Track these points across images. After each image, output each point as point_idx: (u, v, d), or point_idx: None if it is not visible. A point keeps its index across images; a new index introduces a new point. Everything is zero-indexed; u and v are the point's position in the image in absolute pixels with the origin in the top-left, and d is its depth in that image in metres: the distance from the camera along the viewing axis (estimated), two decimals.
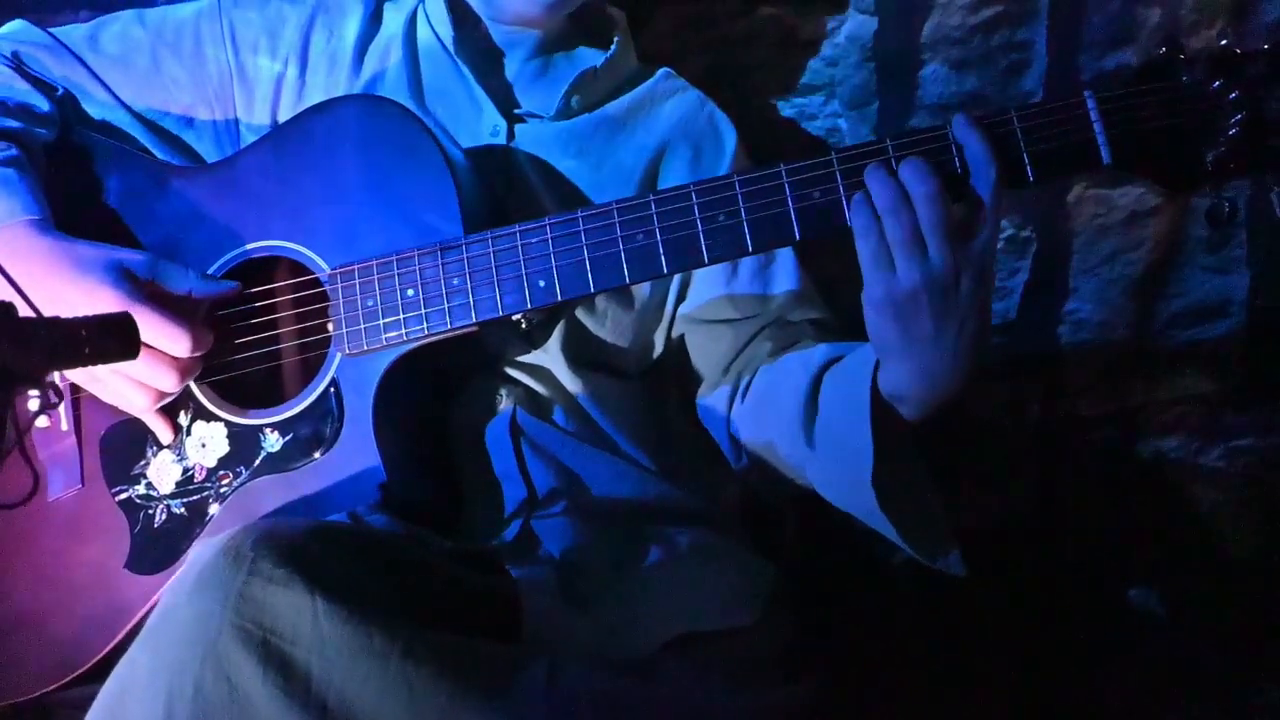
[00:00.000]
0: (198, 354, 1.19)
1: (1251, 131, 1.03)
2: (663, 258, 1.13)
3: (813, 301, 1.39)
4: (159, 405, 1.22)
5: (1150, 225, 1.60)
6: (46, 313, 0.86)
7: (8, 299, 0.84)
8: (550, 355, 1.30)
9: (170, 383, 1.19)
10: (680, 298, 1.38)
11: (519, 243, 1.16)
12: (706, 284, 1.37)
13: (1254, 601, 1.66)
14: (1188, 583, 1.68)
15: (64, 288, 1.15)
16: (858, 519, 1.20)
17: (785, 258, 1.39)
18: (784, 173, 1.10)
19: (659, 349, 1.40)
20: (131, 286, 1.17)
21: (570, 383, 1.31)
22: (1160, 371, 1.64)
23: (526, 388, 1.30)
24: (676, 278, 1.37)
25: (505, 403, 1.28)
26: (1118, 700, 1.67)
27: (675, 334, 1.40)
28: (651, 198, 1.13)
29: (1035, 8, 1.56)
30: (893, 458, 1.12)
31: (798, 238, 1.10)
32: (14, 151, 1.23)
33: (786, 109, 1.65)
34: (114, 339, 0.92)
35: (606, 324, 1.33)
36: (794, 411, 1.22)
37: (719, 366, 1.37)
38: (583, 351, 1.32)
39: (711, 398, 1.38)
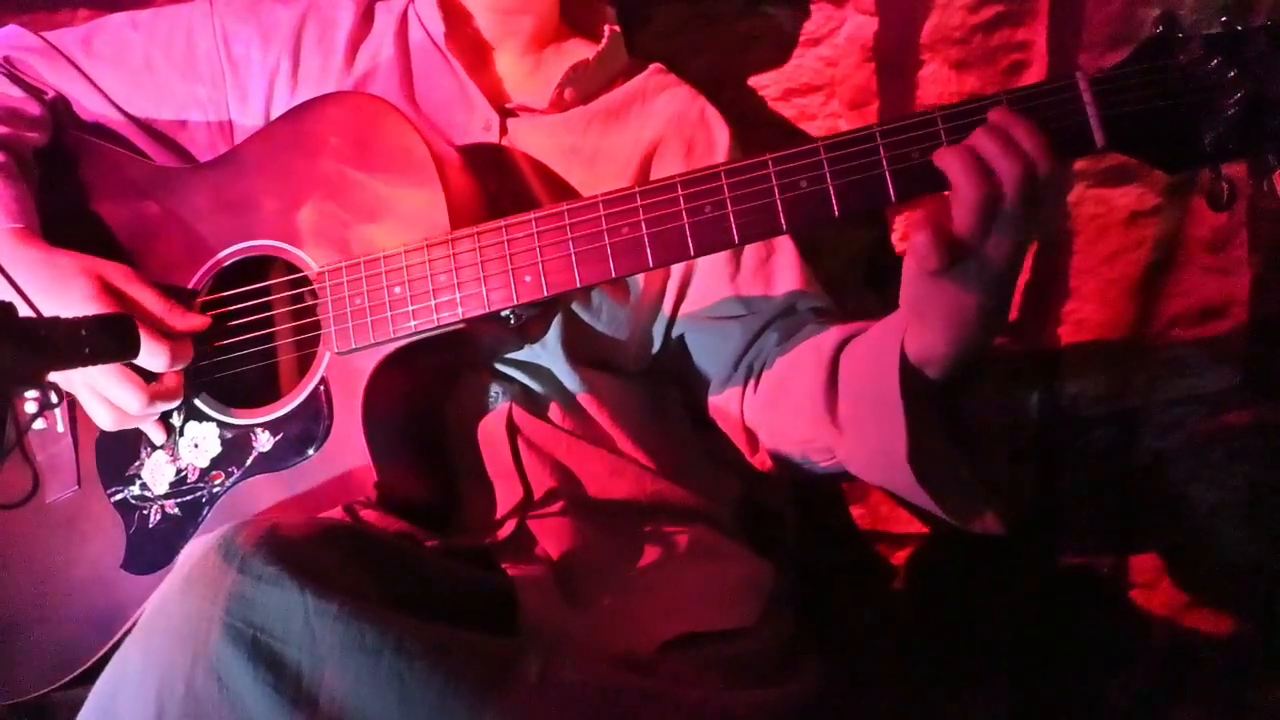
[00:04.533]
0: (174, 370, 1.19)
1: (1251, 111, 0.99)
2: (648, 251, 1.12)
3: (815, 291, 1.38)
4: (125, 426, 1.22)
5: (1150, 225, 1.59)
6: None
7: (6, 300, 0.85)
8: (549, 352, 1.30)
9: (135, 404, 1.18)
10: (680, 294, 1.38)
11: (505, 238, 1.16)
12: (709, 283, 1.37)
13: (1254, 601, 1.65)
14: (1188, 583, 1.67)
15: (42, 298, 1.14)
16: (888, 490, 1.19)
17: (785, 250, 1.38)
18: (770, 162, 1.08)
19: (657, 345, 1.39)
20: (110, 299, 1.17)
21: (568, 380, 1.30)
22: (1160, 371, 1.64)
23: (523, 385, 1.30)
24: (675, 270, 1.37)
25: (501, 400, 1.28)
26: (1118, 700, 1.67)
27: (676, 334, 1.39)
28: (637, 190, 1.13)
29: (1035, 8, 1.55)
30: (922, 427, 1.11)
31: (784, 229, 1.09)
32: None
33: (786, 109, 1.65)
34: (113, 339, 0.92)
35: (602, 318, 1.32)
36: (816, 394, 1.21)
37: (729, 362, 1.36)
38: (581, 347, 1.31)
39: (723, 395, 1.37)
